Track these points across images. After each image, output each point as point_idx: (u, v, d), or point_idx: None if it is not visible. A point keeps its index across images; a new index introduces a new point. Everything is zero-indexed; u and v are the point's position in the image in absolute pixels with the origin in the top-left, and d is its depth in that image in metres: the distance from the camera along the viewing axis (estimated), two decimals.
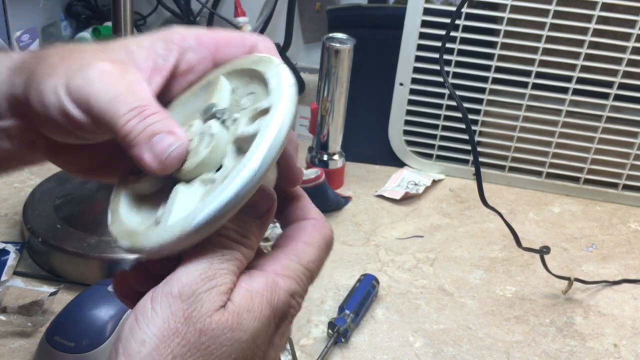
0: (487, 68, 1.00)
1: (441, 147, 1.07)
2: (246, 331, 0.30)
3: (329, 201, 0.93)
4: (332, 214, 0.95)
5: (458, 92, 0.99)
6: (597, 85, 0.98)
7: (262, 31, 1.20)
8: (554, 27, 0.95)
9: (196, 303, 0.29)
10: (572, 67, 0.97)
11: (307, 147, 1.05)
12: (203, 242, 0.31)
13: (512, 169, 1.07)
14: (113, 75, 0.33)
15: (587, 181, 1.04)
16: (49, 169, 0.88)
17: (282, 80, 0.32)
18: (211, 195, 0.30)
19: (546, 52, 0.97)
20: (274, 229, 0.86)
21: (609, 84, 0.97)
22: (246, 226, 0.33)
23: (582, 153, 1.03)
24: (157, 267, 0.34)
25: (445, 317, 0.76)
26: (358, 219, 0.95)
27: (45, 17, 1.20)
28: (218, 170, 0.32)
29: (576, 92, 0.99)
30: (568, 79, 0.98)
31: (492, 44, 0.98)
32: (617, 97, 0.98)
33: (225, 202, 0.30)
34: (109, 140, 0.34)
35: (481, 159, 1.04)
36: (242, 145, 0.32)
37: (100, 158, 0.39)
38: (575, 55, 0.96)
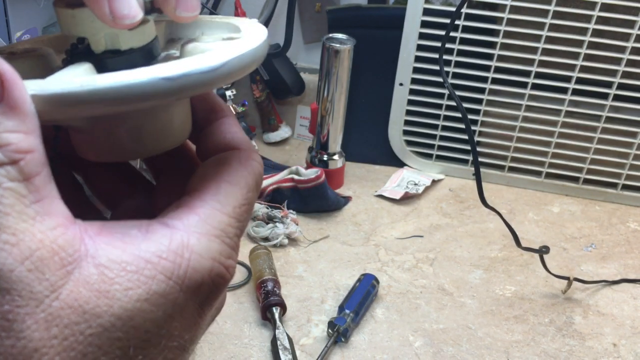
0: (486, 68, 1.00)
1: (441, 147, 1.07)
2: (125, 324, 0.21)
3: (329, 201, 0.93)
4: (332, 214, 0.95)
5: (458, 92, 0.99)
6: (596, 86, 0.98)
7: None
8: (553, 27, 0.95)
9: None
10: (571, 68, 0.97)
11: (307, 147, 1.05)
12: None
13: (511, 169, 1.07)
14: None
15: (587, 181, 1.05)
16: None
17: (250, 30, 0.27)
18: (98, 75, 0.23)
19: (545, 52, 0.97)
20: (274, 229, 0.85)
21: (608, 84, 0.98)
22: None
23: (582, 153, 1.03)
24: None
25: (445, 316, 0.77)
26: (358, 218, 0.95)
27: (45, 18, 1.20)
28: None
29: (575, 92, 0.99)
30: (567, 79, 0.98)
31: (491, 45, 0.98)
32: (616, 97, 0.98)
33: (104, 88, 0.22)
34: None
35: (481, 159, 1.04)
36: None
37: None
38: (575, 56, 0.96)
